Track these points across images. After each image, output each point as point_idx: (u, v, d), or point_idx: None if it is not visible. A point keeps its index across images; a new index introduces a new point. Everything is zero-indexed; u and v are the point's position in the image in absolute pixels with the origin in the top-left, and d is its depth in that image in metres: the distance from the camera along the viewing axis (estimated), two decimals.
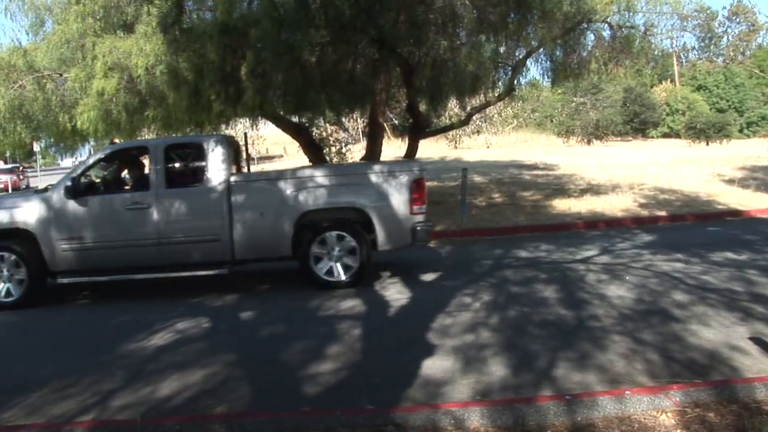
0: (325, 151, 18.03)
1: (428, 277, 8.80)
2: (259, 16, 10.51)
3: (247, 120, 17.63)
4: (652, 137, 51.92)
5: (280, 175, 8.71)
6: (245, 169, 10.28)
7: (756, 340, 5.24)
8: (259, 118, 16.26)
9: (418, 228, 8.26)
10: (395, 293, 7.78)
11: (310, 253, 8.20)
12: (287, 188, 8.24)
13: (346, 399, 4.50)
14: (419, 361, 5.16)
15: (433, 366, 5.05)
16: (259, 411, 4.36)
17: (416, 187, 8.30)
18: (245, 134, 19.85)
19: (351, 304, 7.38)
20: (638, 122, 51.74)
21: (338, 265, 8.24)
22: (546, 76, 16.19)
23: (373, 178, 8.33)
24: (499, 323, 6.20)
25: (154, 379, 5.15)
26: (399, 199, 8.23)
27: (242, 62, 10.55)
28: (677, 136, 48.98)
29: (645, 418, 3.79)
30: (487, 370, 4.93)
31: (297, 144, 17.62)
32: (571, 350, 5.23)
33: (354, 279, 8.21)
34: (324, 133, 19.51)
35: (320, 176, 8.44)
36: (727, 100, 59.38)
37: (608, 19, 14.60)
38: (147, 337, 6.38)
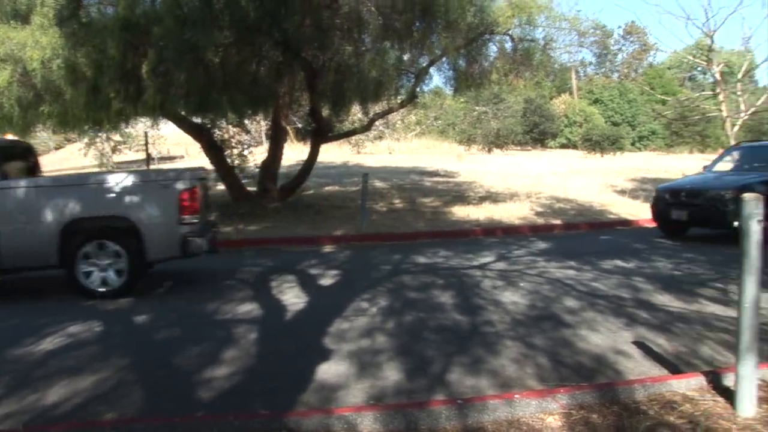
0: (226, 153, 17.75)
1: (327, 281, 8.80)
2: (162, 14, 10.28)
3: (148, 119, 17.15)
4: (551, 147, 53.77)
5: (47, 182, 8.48)
6: (43, 174, 9.98)
7: (639, 344, 5.52)
8: (160, 117, 15.86)
9: (189, 239, 8.15)
10: (293, 298, 7.74)
11: (76, 262, 8.02)
12: (54, 196, 8.01)
13: (241, 403, 4.45)
14: (315, 366, 5.15)
15: (329, 371, 5.05)
16: (152, 416, 4.24)
17: (187, 197, 8.15)
18: (145, 134, 19.23)
19: (248, 308, 7.29)
20: (538, 132, 53.48)
21: (105, 274, 8.10)
22: (449, 85, 16.57)
23: (142, 186, 8.16)
24: (396, 328, 6.26)
25: (42, 385, 4.92)
26: (166, 209, 8.11)
27: (144, 60, 10.30)
28: (574, 147, 50.92)
29: (533, 421, 3.91)
30: (382, 374, 4.97)
31: (199, 145, 17.28)
32: (465, 355, 5.35)
33: (122, 289, 8.08)
34: (226, 135, 19.18)
35: (88, 184, 8.28)
36: (621, 114, 62.32)
37: (510, 32, 15.08)
38: (36, 342, 6.09)
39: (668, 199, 12.58)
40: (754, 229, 3.87)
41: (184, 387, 4.84)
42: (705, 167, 13.89)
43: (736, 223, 3.98)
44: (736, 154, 13.89)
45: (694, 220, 12.09)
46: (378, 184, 19.60)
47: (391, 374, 4.97)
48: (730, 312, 6.26)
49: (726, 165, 13.59)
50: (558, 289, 7.87)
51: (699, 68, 39.58)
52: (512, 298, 7.40)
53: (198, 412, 4.35)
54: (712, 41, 24.09)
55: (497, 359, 5.23)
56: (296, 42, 11.92)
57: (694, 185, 12.57)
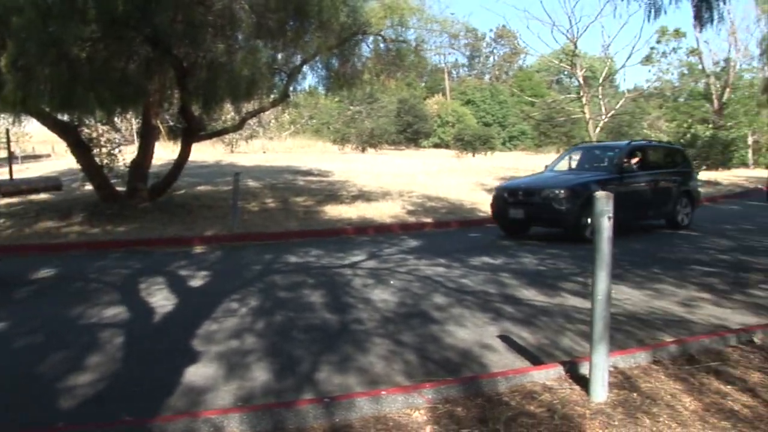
0: (95, 151, 16.94)
1: (197, 283, 8.58)
2: (23, 5, 9.67)
3: (9, 116, 16.10)
4: (424, 147, 54.92)
5: None
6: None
7: (503, 337, 5.72)
8: (22, 114, 14.94)
9: None
10: (162, 300, 7.49)
11: None
12: None
13: (105, 411, 4.25)
14: (182, 369, 5.01)
15: (197, 373, 4.93)
16: (5, 429, 3.99)
17: None
18: (7, 131, 18.02)
19: (115, 311, 6.99)
20: (411, 132, 54.50)
21: None
22: (322, 84, 16.61)
23: None
24: (265, 328, 6.20)
25: None
26: None
27: (2, 53, 9.64)
28: (447, 146, 52.26)
29: (399, 417, 3.96)
30: (251, 375, 4.90)
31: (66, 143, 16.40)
32: (333, 353, 5.36)
33: None
34: (94, 133, 18.28)
35: None
36: (492, 115, 64.56)
37: (382, 33, 15.29)
38: None
39: (507, 198, 12.73)
40: (605, 226, 4.09)
41: (44, 396, 4.58)
42: (546, 166, 14.52)
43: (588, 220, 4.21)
44: (575, 155, 14.71)
45: (531, 218, 12.40)
46: (251, 183, 19.32)
47: (260, 375, 4.91)
48: (589, 304, 6.61)
49: (565, 165, 14.50)
50: (428, 286, 8.04)
51: (565, 72, 41.66)
52: (382, 296, 7.49)
53: (58, 423, 4.13)
54: (576, 47, 25.45)
55: (366, 357, 5.28)
56: (167, 38, 11.56)
57: (531, 184, 12.87)
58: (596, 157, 14.12)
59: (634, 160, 13.74)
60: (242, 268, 9.60)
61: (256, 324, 6.38)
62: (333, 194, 18.11)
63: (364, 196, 17.73)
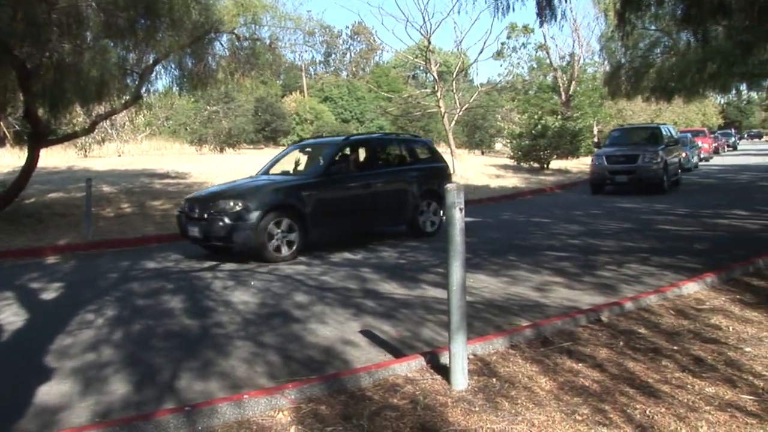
0: None
1: (49, 295, 8.13)
2: None
3: None
4: (283, 145, 54.53)
5: None
6: None
7: (365, 332, 5.82)
8: None
9: None
10: (11, 316, 7.04)
11: None
12: None
13: None
14: (35, 388, 4.75)
15: (50, 391, 4.69)
16: None
17: None
18: None
19: None
20: (270, 131, 54.03)
21: None
22: (176, 84, 16.13)
23: None
24: (123, 338, 5.98)
25: None
26: None
27: None
28: None
29: (263, 419, 3.95)
30: (109, 389, 4.72)
31: None
32: (194, 360, 5.26)
33: None
34: None
35: None
36: (351, 111, 65.09)
37: (236, 31, 15.06)
38: None
39: (188, 213, 10.54)
40: (457, 217, 4.25)
41: None
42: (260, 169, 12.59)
43: (442, 213, 4.34)
44: (293, 154, 12.77)
45: (206, 236, 10.08)
46: (105, 188, 18.47)
47: (119, 388, 4.74)
48: None
49: (287, 164, 12.51)
50: (288, 285, 8.04)
51: (420, 67, 42.60)
52: (243, 298, 7.42)
53: None
54: (430, 43, 26.03)
55: (227, 361, 5.22)
56: (7, 38, 10.85)
57: (211, 194, 10.70)
58: (312, 156, 12.28)
59: (355, 158, 11.98)
60: (98, 277, 9.20)
61: (114, 334, 6.15)
62: None
63: None
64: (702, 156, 34.34)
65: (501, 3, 9.84)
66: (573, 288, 7.36)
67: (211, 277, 8.81)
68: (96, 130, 22.32)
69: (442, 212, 11.83)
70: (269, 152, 41.75)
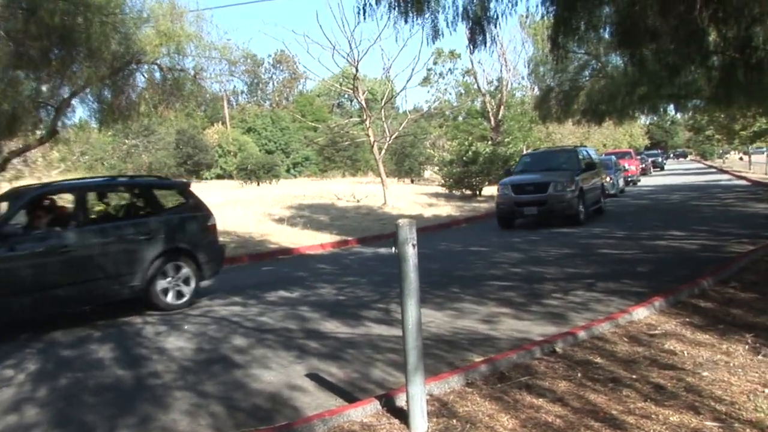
0: None
1: None
2: None
3: None
4: (206, 179, 53.86)
5: None
6: None
7: (312, 376, 5.66)
8: None
9: None
10: None
11: None
12: None
13: None
14: None
15: None
16: None
17: None
18: None
19: None
20: (192, 164, 53.26)
21: None
22: (94, 118, 15.72)
23: None
24: (49, 395, 5.67)
25: None
26: None
27: None
28: (230, 177, 51.57)
29: None
30: None
31: None
32: (131, 415, 5.01)
33: None
34: None
35: None
36: (275, 142, 64.82)
37: (158, 61, 14.78)
38: None
39: None
40: (410, 253, 4.19)
41: None
42: None
43: (393, 249, 4.26)
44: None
45: None
46: None
47: None
48: (395, 331, 6.76)
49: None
50: (225, 328, 7.82)
51: (346, 95, 42.84)
52: (177, 344, 7.16)
53: None
54: (357, 70, 26.11)
55: (168, 414, 4.99)
56: None
57: None
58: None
59: (50, 212, 9.19)
60: (14, 328, 8.71)
61: (38, 391, 5.82)
62: None
63: None
64: (630, 178, 34.53)
65: (433, 28, 9.88)
66: (521, 318, 7.36)
67: (141, 322, 8.50)
68: (7, 168, 21.41)
69: (196, 276, 9.75)
70: (193, 186, 41.08)
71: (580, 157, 19.08)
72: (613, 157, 30.78)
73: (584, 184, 17.81)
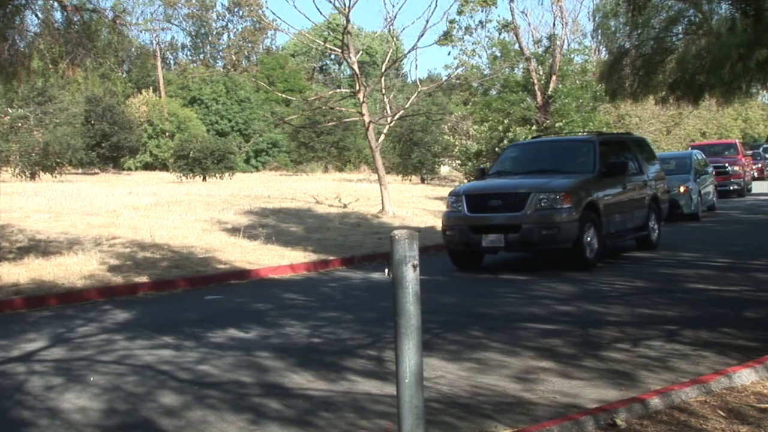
0: None
1: None
2: None
3: None
4: (130, 169, 54.01)
5: None
6: None
7: None
8: None
9: None
10: None
11: None
12: None
13: None
14: None
15: None
16: None
17: None
18: None
19: None
20: (109, 147, 53.20)
21: None
22: None
23: None
24: None
25: None
26: None
27: None
28: (164, 167, 51.66)
29: None
30: None
31: None
32: None
33: None
34: None
35: None
36: (230, 120, 64.92)
37: None
38: None
39: None
40: (410, 278, 4.14)
41: None
42: None
43: (387, 272, 4.22)
44: None
45: None
46: None
47: None
48: (389, 388, 6.73)
49: None
50: (150, 381, 7.80)
51: (332, 56, 42.78)
52: (79, 402, 7.14)
53: None
54: (348, 20, 26.05)
55: None
56: None
57: None
58: None
59: None
60: None
61: None
62: None
63: (39, 248, 16.99)
64: (733, 185, 32.80)
65: None
66: (569, 376, 7.35)
67: (25, 371, 8.49)
68: None
69: None
70: (109, 179, 41.19)
71: (599, 151, 16.46)
72: (695, 153, 28.40)
73: (604, 199, 15.61)
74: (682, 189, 23.04)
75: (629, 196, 16.87)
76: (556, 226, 14.27)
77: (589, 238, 14.62)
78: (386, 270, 4.22)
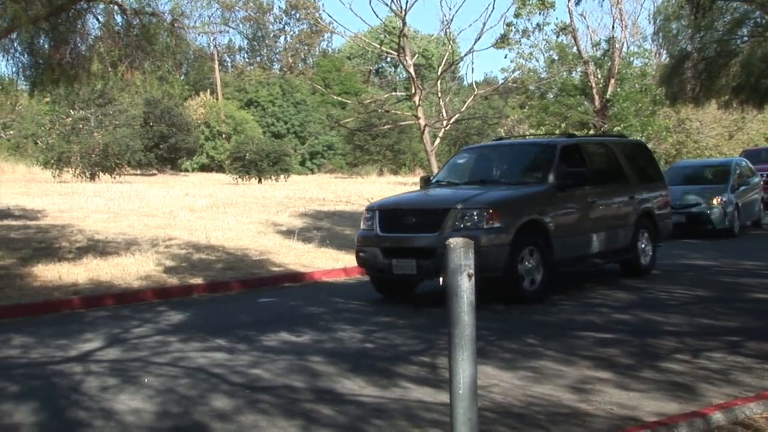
0: None
1: None
2: None
3: None
4: (186, 171, 54.47)
5: None
6: None
7: None
8: None
9: None
10: None
11: None
12: None
13: None
14: None
15: None
16: None
17: None
18: None
19: None
20: (167, 149, 53.76)
21: None
22: (24, 76, 15.84)
23: None
24: None
25: None
26: None
27: None
28: (220, 169, 52.02)
29: None
30: None
31: None
32: None
33: None
34: None
35: None
36: (286, 122, 65.22)
37: (120, 0, 14.87)
38: None
39: None
40: (465, 287, 4.09)
41: None
42: None
43: (440, 280, 4.18)
44: None
45: None
46: None
47: None
48: (442, 396, 6.68)
49: None
50: (202, 384, 7.84)
51: (388, 59, 42.87)
52: (133, 404, 7.19)
53: None
54: (405, 23, 26.07)
55: None
56: None
57: None
58: None
59: None
60: None
61: None
62: (47, 246, 17.36)
63: (98, 248, 17.15)
64: None
65: None
66: (627, 388, 7.26)
67: (82, 371, 8.55)
68: None
69: None
70: (167, 180, 41.54)
71: (559, 158, 13.51)
72: (736, 160, 25.15)
73: (556, 217, 12.90)
74: (715, 201, 20.92)
75: (605, 213, 14.25)
76: (483, 252, 10.78)
77: (528, 265, 12.06)
78: (440, 278, 4.19)
